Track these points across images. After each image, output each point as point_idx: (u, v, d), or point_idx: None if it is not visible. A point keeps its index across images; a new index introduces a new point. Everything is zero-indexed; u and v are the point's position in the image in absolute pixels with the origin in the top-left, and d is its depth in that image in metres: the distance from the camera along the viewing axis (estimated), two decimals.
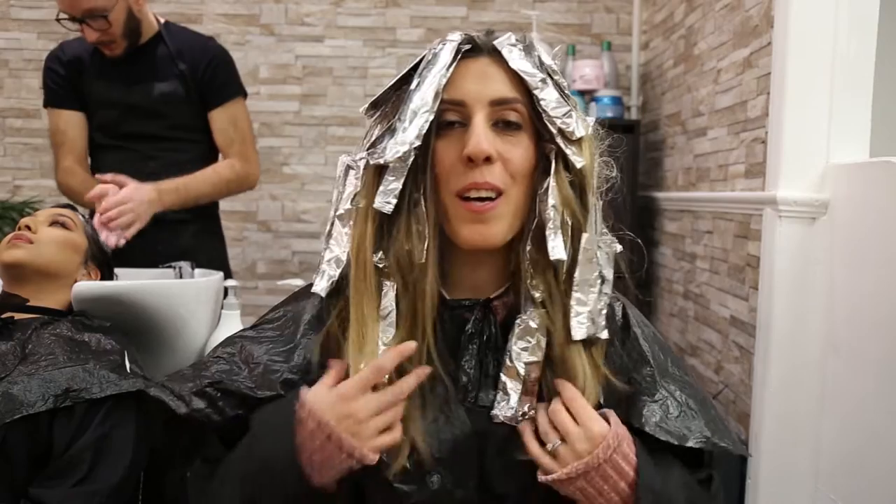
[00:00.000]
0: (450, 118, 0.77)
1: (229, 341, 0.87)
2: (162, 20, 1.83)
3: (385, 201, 0.77)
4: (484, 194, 0.76)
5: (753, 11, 2.01)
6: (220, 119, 1.84)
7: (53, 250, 1.23)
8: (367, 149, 0.80)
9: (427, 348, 0.78)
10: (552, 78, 0.79)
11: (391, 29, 3.19)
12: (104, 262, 1.35)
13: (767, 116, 1.88)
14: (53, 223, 1.27)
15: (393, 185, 0.77)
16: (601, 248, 0.80)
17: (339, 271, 0.81)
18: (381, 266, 0.78)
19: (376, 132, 0.81)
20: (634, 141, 2.78)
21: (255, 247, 3.23)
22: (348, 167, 0.82)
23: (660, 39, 2.92)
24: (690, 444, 0.79)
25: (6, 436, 1.00)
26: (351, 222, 0.81)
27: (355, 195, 0.80)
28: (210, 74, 1.81)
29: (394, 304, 0.77)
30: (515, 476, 0.78)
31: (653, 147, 3.00)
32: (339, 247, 0.81)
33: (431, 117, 0.76)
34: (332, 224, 0.82)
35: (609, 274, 0.81)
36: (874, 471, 1.54)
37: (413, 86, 0.78)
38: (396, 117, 0.78)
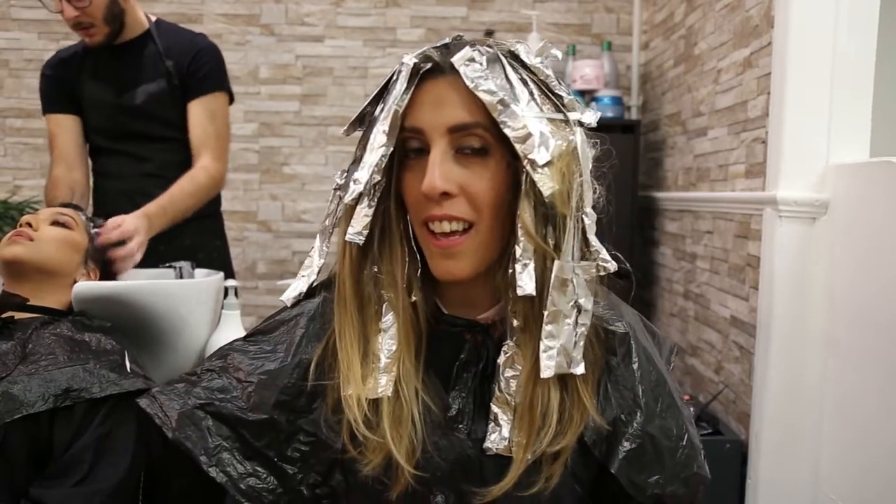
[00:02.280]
0: (413, 146, 0.74)
1: (223, 353, 0.85)
2: (153, 18, 1.81)
3: (356, 233, 0.75)
4: (447, 227, 0.73)
5: (753, 11, 2.01)
6: (197, 111, 1.76)
7: (53, 248, 1.23)
8: (347, 169, 0.79)
9: (423, 367, 0.78)
10: (527, 86, 0.72)
11: (391, 29, 3.19)
12: (105, 261, 1.35)
13: (767, 116, 1.88)
14: (55, 222, 1.27)
15: (362, 219, 0.75)
16: (578, 275, 0.73)
17: (307, 286, 0.83)
18: (378, 278, 0.77)
19: (358, 152, 0.79)
20: (634, 141, 2.78)
21: (255, 247, 3.23)
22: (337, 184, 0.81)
23: (660, 39, 2.92)
24: (645, 496, 0.79)
25: (6, 436, 1.00)
26: (334, 238, 0.80)
27: (339, 218, 0.79)
28: (194, 67, 1.77)
29: (392, 320, 0.76)
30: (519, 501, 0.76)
31: (653, 147, 3.00)
32: (314, 260, 0.83)
33: (389, 151, 0.73)
34: (316, 235, 0.83)
35: (587, 303, 0.73)
36: (874, 470, 1.54)
37: (377, 111, 0.75)
38: (367, 142, 0.76)
